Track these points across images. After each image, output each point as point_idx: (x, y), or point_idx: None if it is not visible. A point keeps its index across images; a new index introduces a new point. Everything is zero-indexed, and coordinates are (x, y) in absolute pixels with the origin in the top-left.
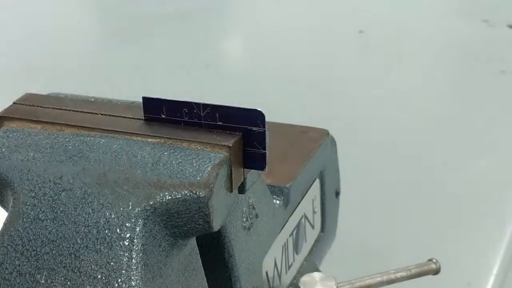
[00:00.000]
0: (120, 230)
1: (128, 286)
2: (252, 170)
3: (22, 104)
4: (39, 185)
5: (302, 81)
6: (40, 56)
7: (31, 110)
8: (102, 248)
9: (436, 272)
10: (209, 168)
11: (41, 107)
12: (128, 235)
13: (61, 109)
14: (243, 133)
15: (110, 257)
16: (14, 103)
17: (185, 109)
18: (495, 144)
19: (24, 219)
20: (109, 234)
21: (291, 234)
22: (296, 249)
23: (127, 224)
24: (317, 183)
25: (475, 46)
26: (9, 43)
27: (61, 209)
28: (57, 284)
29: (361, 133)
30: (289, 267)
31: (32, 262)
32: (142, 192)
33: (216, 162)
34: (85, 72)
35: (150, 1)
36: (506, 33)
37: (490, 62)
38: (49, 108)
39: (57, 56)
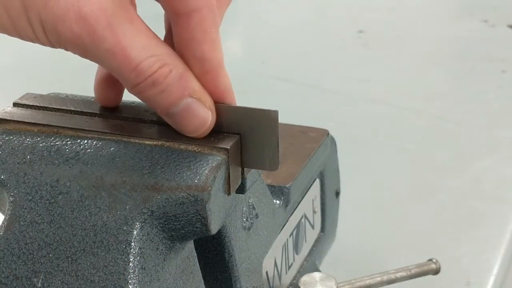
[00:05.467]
0: (117, 233)
1: None
2: (252, 170)
3: (21, 105)
4: (36, 188)
5: (302, 80)
6: (41, 55)
7: (28, 112)
8: (99, 251)
9: (436, 272)
10: (206, 171)
11: (40, 108)
12: (125, 239)
13: (59, 110)
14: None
15: (107, 261)
16: (14, 103)
17: None
18: (496, 144)
19: (21, 222)
20: (106, 237)
21: (291, 234)
22: (296, 249)
23: (124, 227)
24: (317, 183)
25: (475, 46)
26: (10, 43)
27: (58, 212)
28: None
29: (361, 133)
30: (289, 267)
31: (29, 265)
32: (140, 195)
33: (213, 164)
34: (85, 72)
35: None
36: (506, 33)
37: (490, 62)
38: (48, 109)
39: (58, 56)
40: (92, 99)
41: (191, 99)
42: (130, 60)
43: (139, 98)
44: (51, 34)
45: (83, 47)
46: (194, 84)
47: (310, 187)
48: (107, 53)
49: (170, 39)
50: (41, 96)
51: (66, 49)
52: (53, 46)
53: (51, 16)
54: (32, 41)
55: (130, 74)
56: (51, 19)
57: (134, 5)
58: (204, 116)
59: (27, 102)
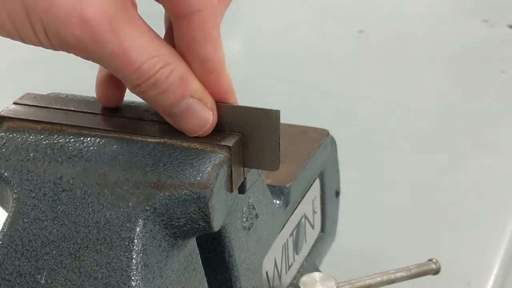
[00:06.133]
0: (120, 231)
1: (128, 287)
2: (252, 170)
3: (22, 104)
4: (39, 185)
5: (302, 81)
6: (41, 56)
7: (31, 110)
8: (102, 248)
9: (436, 272)
10: (209, 168)
11: (41, 107)
12: (128, 235)
13: (61, 109)
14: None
15: (110, 258)
16: (14, 103)
17: None
18: (496, 144)
19: (24, 220)
20: (109, 234)
21: (291, 234)
22: (296, 249)
23: (127, 225)
24: (317, 183)
25: (475, 46)
26: (10, 43)
27: (61, 210)
28: (57, 285)
29: (361, 133)
30: (289, 267)
31: (32, 262)
32: (142, 192)
33: (216, 162)
34: (86, 72)
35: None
36: (506, 33)
37: (490, 62)
38: (49, 108)
39: (58, 56)
40: (92, 99)
41: (192, 99)
42: (132, 61)
43: (141, 98)
44: (53, 38)
45: (85, 50)
46: (195, 85)
47: (310, 187)
48: (109, 56)
49: (170, 38)
50: (41, 96)
51: (69, 52)
52: (55, 49)
53: (53, 21)
54: (35, 45)
55: (132, 75)
56: (54, 23)
57: (134, 5)
58: (205, 116)
59: (27, 102)
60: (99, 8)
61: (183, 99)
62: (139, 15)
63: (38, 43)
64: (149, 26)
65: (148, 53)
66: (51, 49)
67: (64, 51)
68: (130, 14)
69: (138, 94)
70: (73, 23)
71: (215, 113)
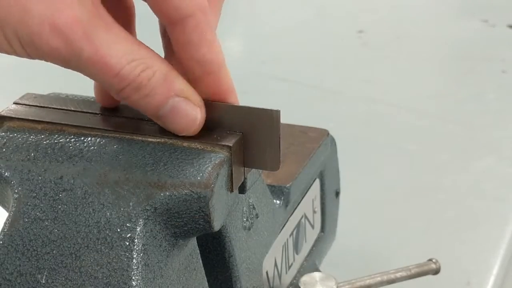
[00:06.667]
0: (120, 230)
1: (129, 286)
2: (252, 170)
3: (23, 104)
4: (40, 185)
5: (302, 81)
6: None
7: (32, 110)
8: (102, 248)
9: (436, 272)
10: (209, 168)
11: (42, 107)
12: (128, 235)
13: (62, 109)
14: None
15: (111, 257)
16: (14, 103)
17: None
18: (496, 144)
19: (25, 219)
20: (109, 234)
21: (291, 234)
22: (296, 249)
23: (127, 224)
24: (317, 183)
25: (475, 46)
26: None
27: (61, 209)
28: (57, 284)
29: (361, 133)
30: (289, 267)
31: (33, 262)
32: (143, 192)
33: (216, 162)
34: None
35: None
36: (506, 33)
37: (490, 62)
38: (50, 108)
39: None
40: (92, 99)
41: (178, 98)
42: (111, 67)
43: (126, 102)
44: (28, 47)
45: (61, 58)
46: (180, 84)
47: (310, 187)
48: (86, 63)
49: (167, 43)
50: (41, 96)
51: (46, 61)
52: (31, 58)
53: (27, 30)
54: (9, 54)
55: (112, 81)
56: (27, 33)
57: (131, 10)
58: (192, 114)
59: (27, 102)
60: (71, 16)
61: (168, 100)
62: (115, 21)
63: (13, 52)
64: (126, 32)
65: (126, 57)
66: (28, 58)
67: (41, 60)
68: (104, 21)
69: (123, 99)
70: (46, 32)
71: (203, 110)
